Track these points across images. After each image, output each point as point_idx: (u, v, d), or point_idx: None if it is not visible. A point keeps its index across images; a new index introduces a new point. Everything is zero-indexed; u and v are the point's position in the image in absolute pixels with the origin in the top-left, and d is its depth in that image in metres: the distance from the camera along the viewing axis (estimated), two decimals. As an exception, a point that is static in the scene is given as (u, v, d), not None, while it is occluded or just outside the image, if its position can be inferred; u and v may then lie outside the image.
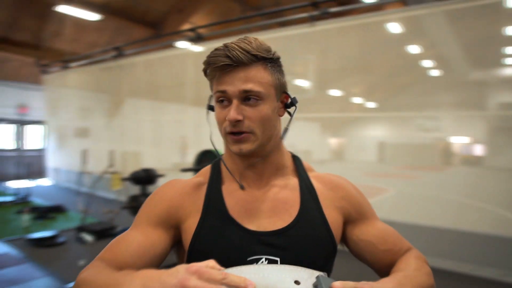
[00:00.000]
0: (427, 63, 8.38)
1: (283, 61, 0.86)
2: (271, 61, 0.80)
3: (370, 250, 0.85)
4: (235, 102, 0.76)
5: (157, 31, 10.86)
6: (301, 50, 6.56)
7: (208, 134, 0.92)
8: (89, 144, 9.45)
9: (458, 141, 13.21)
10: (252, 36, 0.81)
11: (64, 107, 10.61)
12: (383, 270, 0.85)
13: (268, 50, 0.80)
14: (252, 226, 0.80)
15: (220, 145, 0.93)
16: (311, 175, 0.90)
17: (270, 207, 0.83)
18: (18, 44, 10.53)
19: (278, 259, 0.77)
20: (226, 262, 0.66)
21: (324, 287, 0.59)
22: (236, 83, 0.75)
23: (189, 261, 0.78)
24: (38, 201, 8.09)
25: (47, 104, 11.24)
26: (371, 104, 12.00)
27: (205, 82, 0.84)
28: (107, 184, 7.81)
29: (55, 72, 10.54)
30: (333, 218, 0.84)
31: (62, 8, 8.66)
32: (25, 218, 6.10)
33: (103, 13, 9.90)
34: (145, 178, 4.63)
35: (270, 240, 0.78)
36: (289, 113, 0.88)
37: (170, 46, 8.24)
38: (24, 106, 12.15)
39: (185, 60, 7.72)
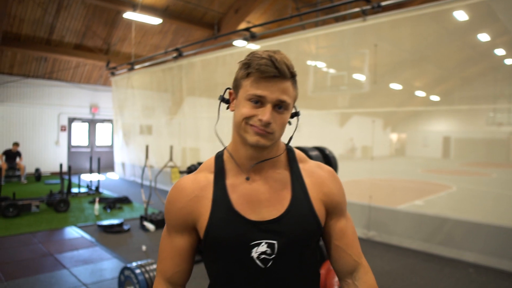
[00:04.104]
0: (499, 51, 7.66)
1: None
2: (295, 77, 0.91)
3: (327, 240, 1.02)
4: (269, 106, 0.86)
5: (214, 31, 11.20)
6: (359, 44, 6.37)
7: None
8: (152, 140, 10.02)
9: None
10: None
11: (129, 106, 11.35)
12: (331, 259, 1.03)
13: (293, 67, 0.90)
14: (253, 216, 0.92)
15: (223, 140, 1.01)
16: (302, 167, 1.01)
17: (267, 198, 0.94)
18: (90, 50, 11.51)
19: (275, 242, 0.91)
20: (234, 247, 0.90)
21: None
22: (275, 92, 0.86)
23: (206, 247, 0.96)
24: (107, 193, 8.80)
25: (115, 104, 12.12)
26: (435, 98, 11.25)
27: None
28: (167, 178, 8.26)
29: (121, 74, 11.33)
30: (318, 207, 0.97)
31: (128, 15, 9.28)
32: (96, 207, 6.69)
33: (164, 17, 10.44)
34: (200, 170, 4.88)
35: (268, 227, 0.92)
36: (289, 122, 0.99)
37: (227, 45, 8.44)
38: (95, 106, 13.25)
39: (239, 59, 7.79)
